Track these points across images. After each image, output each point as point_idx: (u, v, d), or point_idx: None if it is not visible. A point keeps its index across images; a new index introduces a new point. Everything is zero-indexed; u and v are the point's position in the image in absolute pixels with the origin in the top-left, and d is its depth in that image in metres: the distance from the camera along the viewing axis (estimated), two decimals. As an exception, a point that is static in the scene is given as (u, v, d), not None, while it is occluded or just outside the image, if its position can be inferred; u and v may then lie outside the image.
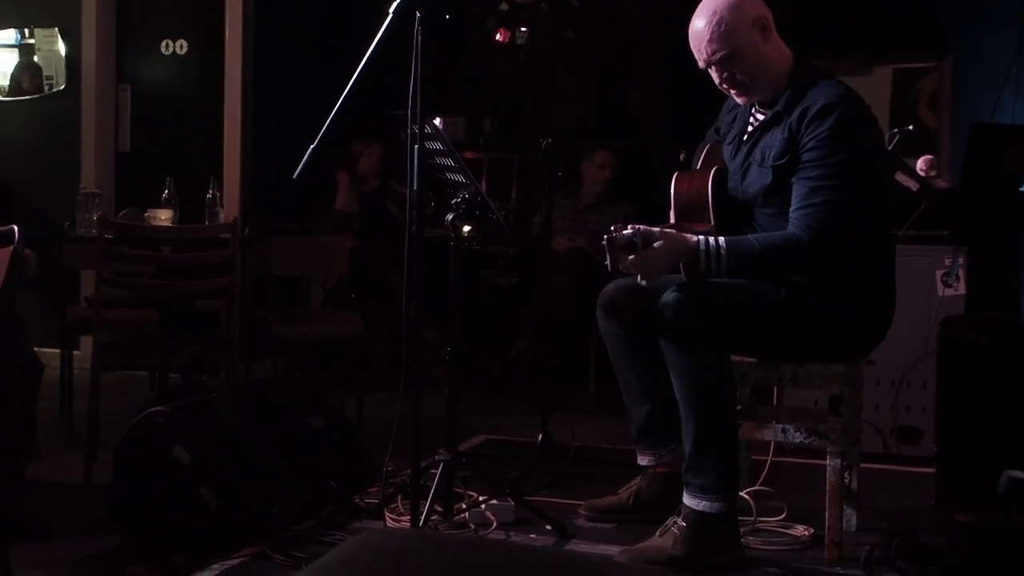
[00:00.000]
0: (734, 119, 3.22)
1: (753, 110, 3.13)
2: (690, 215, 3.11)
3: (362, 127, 5.64)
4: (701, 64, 3.03)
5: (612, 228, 2.87)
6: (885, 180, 3.18)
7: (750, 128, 3.13)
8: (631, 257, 2.85)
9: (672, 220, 3.16)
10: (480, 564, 1.00)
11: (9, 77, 6.25)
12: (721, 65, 3.00)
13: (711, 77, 3.07)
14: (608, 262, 2.85)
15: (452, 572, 0.99)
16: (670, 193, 3.16)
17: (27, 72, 6.23)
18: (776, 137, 3.00)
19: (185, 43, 6.13)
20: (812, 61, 3.09)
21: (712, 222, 3.08)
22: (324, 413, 3.52)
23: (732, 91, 3.08)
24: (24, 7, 6.18)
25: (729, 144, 3.21)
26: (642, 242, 2.85)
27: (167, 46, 6.14)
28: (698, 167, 3.29)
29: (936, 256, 4.14)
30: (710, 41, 2.97)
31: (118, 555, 2.98)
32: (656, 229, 2.92)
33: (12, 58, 6.25)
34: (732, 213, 3.10)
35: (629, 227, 2.87)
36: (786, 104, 3.00)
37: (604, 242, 2.85)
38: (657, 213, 3.26)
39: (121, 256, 3.90)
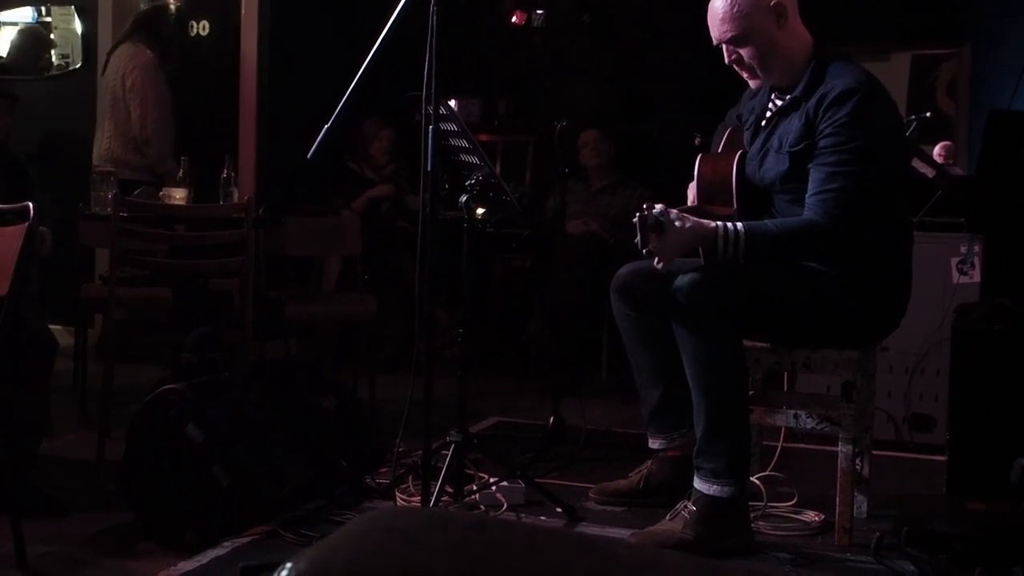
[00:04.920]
0: (754, 105, 3.22)
1: (772, 96, 3.12)
2: (712, 198, 3.11)
3: (373, 108, 5.63)
4: (714, 41, 3.04)
5: (644, 206, 2.86)
6: (903, 166, 3.17)
7: (768, 114, 3.13)
8: (657, 236, 2.86)
9: (694, 202, 3.16)
10: (491, 543, 1.00)
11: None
12: (731, 45, 3.02)
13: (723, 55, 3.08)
14: (638, 240, 2.85)
15: (462, 550, 0.99)
16: (693, 175, 3.16)
17: (34, 49, 6.22)
18: (793, 123, 2.99)
19: (207, 24, 6.14)
20: (832, 47, 3.08)
21: (735, 206, 3.08)
22: (336, 393, 3.53)
23: (742, 72, 3.08)
24: (41, -15, 6.19)
25: (748, 130, 3.21)
26: (667, 223, 2.85)
27: (191, 27, 6.14)
28: (719, 150, 3.29)
29: (952, 243, 4.12)
30: (723, 20, 2.99)
31: (130, 531, 3.00)
32: (674, 212, 2.91)
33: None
34: (753, 198, 3.10)
35: (657, 207, 2.86)
36: (804, 90, 2.99)
37: (635, 220, 2.84)
38: (671, 197, 3.25)
39: (135, 235, 3.91)
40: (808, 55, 3.03)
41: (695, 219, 2.93)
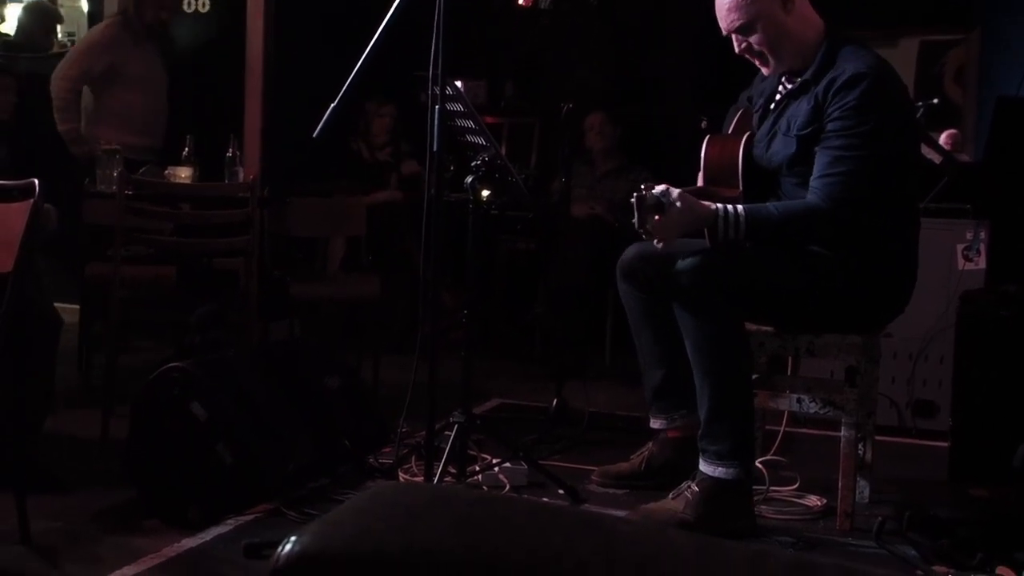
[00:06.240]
0: (764, 87, 3.22)
1: (783, 79, 3.11)
2: (719, 179, 3.12)
3: (380, 88, 5.62)
4: (723, 32, 3.04)
5: (642, 186, 2.86)
6: (913, 152, 3.15)
7: (777, 97, 3.13)
8: (656, 218, 2.86)
9: (700, 183, 3.16)
10: (495, 519, 1.01)
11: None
12: (740, 34, 3.02)
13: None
14: (635, 220, 2.85)
15: (466, 526, 0.99)
16: (701, 156, 3.16)
17: (41, 25, 6.19)
18: (802, 106, 2.99)
19: (207, 1, 6.11)
20: (844, 31, 3.06)
21: (740, 188, 3.08)
22: (340, 373, 3.54)
23: (754, 61, 3.08)
24: (47, -37, 6.17)
25: (757, 112, 3.21)
26: (668, 203, 2.85)
27: (189, 4, 6.12)
28: (729, 131, 3.29)
29: (958, 230, 4.11)
30: (730, 10, 3.00)
31: (134, 508, 3.01)
32: (675, 192, 2.91)
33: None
34: (760, 180, 3.10)
35: (657, 187, 2.87)
36: (814, 73, 2.99)
37: (633, 199, 2.85)
38: (677, 181, 3.25)
39: (140, 213, 3.91)
40: (819, 39, 3.02)
41: (696, 200, 2.93)
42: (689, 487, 2.97)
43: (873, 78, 2.89)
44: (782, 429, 3.52)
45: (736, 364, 2.94)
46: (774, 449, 3.44)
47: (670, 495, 3.03)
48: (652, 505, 3.02)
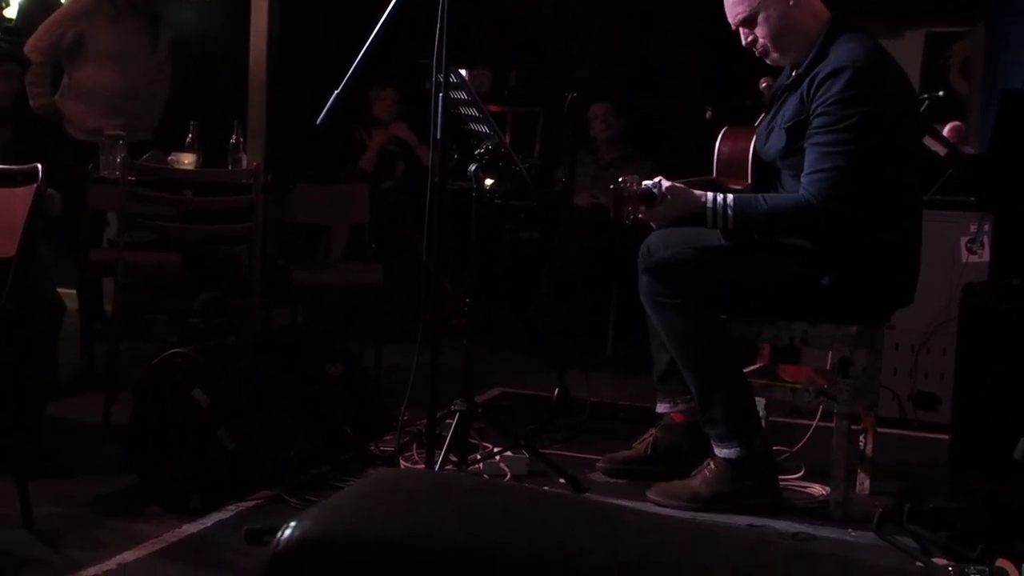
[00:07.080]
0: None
1: (792, 72, 3.12)
2: (729, 171, 3.16)
3: (384, 75, 5.61)
4: (732, 25, 3.05)
5: (620, 179, 2.91)
6: (909, 141, 3.12)
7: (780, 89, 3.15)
8: (644, 208, 2.90)
9: (714, 174, 3.20)
10: (496, 506, 1.01)
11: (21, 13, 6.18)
12: (745, 27, 3.03)
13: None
14: (612, 212, 2.89)
15: (467, 513, 0.99)
16: (715, 148, 3.20)
17: (41, 9, 6.14)
18: (793, 100, 3.01)
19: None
20: (847, 21, 3.05)
21: (748, 180, 3.10)
22: (342, 361, 3.54)
23: (759, 53, 3.08)
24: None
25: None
26: (660, 194, 2.89)
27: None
28: None
29: (961, 222, 4.10)
30: (736, 3, 3.02)
31: (136, 494, 3.01)
32: (666, 184, 2.94)
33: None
34: (767, 172, 3.14)
35: (652, 179, 2.90)
36: (807, 67, 3.01)
37: (611, 189, 2.88)
38: (680, 169, 3.26)
39: (143, 199, 3.91)
40: (823, 31, 3.01)
41: (688, 191, 2.96)
42: (708, 465, 3.05)
43: (854, 71, 2.87)
44: (814, 423, 3.47)
45: (714, 352, 3.00)
46: (804, 442, 3.44)
47: (692, 474, 3.10)
48: (668, 483, 3.10)
